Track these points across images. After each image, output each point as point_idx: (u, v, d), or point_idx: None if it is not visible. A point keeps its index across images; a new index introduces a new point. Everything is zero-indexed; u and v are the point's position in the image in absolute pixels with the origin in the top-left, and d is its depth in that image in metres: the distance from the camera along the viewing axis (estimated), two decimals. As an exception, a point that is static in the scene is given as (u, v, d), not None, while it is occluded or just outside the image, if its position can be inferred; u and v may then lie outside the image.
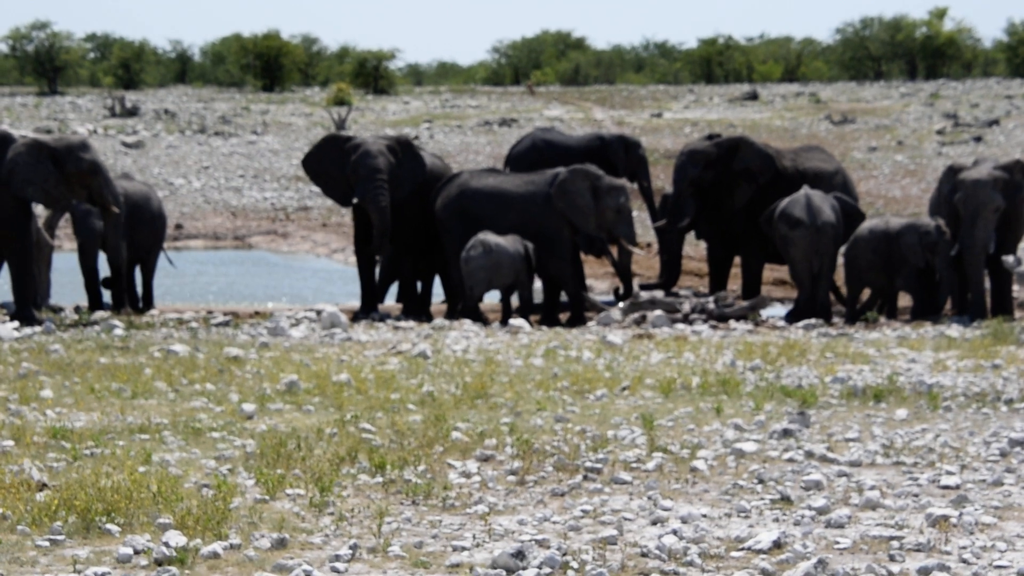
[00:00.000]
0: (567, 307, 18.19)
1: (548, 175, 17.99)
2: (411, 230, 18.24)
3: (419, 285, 18.66)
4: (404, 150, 18.22)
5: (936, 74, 65.80)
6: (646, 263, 23.36)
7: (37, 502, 7.13)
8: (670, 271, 20.04)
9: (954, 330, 15.77)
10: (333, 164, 18.25)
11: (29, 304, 16.18)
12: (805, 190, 17.83)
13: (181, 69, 73.29)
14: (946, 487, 8.01)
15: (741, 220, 18.95)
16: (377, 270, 18.66)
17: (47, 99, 54.35)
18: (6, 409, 10.14)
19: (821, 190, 18.18)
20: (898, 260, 17.27)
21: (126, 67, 64.60)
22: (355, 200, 17.90)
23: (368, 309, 18.17)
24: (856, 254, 17.46)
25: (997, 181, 16.83)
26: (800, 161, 19.38)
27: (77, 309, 17.43)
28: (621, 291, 19.38)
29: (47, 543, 6.58)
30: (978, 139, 40.31)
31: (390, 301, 19.23)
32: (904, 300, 18.38)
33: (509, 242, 17.27)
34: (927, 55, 67.32)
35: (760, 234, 18.74)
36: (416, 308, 18.26)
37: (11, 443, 8.81)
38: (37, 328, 15.30)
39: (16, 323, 15.63)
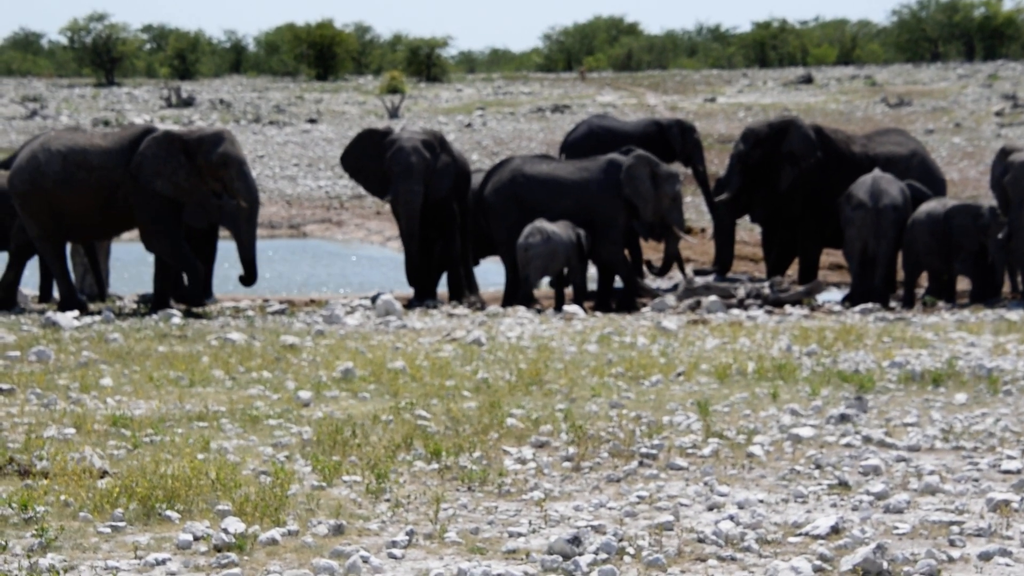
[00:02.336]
0: (621, 294, 18.16)
1: (602, 161, 17.95)
2: (451, 219, 18.20)
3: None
4: (440, 144, 18.20)
5: (994, 55, 64.94)
6: (700, 249, 23.25)
7: (98, 489, 7.21)
8: (723, 257, 19.95)
9: (1014, 313, 15.59)
10: (372, 159, 18.27)
11: (167, 296, 16.34)
12: (875, 172, 17.74)
13: (236, 59, 73.70)
14: (1007, 472, 7.93)
15: (799, 203, 18.83)
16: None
17: (104, 90, 54.87)
18: (67, 397, 10.26)
19: (893, 174, 18.03)
20: (956, 243, 17.12)
21: (182, 58, 65.08)
22: (387, 198, 17.94)
23: (422, 297, 18.22)
24: (914, 237, 17.32)
25: None
26: (872, 146, 19.16)
27: (139, 298, 17.59)
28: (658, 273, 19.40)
29: (108, 529, 6.65)
30: (1037, 120, 39.77)
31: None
32: (963, 284, 18.21)
33: (562, 229, 17.28)
34: (985, 36, 66.45)
35: (817, 218, 18.60)
36: (464, 295, 18.24)
37: (72, 431, 8.92)
38: (96, 317, 15.47)
39: (77, 312, 15.79)
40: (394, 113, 45.07)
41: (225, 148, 16.23)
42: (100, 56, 62.00)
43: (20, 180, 16.32)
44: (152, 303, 16.59)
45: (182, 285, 16.49)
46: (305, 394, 10.29)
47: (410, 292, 18.75)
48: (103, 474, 7.65)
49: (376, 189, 18.49)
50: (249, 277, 16.78)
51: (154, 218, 16.15)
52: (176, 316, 15.56)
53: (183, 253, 16.29)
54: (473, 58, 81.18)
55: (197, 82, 60.05)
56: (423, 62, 62.44)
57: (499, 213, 17.82)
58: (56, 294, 17.69)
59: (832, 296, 19.02)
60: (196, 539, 6.46)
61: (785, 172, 18.65)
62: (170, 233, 16.26)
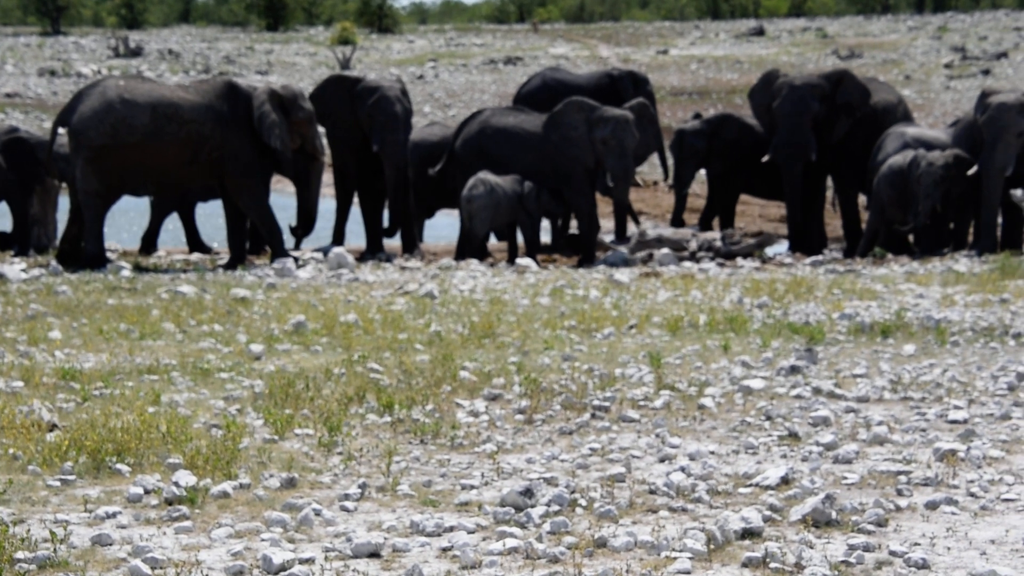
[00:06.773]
0: (575, 247, 18.16)
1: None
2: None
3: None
4: (407, 95, 18.27)
5: (944, 7, 65.27)
6: (652, 201, 23.29)
7: (47, 442, 7.16)
8: (724, 213, 19.93)
9: (962, 265, 15.74)
10: (341, 105, 18.13)
11: (286, 249, 16.46)
12: (894, 127, 17.94)
13: (184, 9, 72.89)
14: (954, 422, 8.02)
15: (832, 154, 18.85)
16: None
17: (50, 39, 54.10)
18: (15, 350, 10.16)
19: (888, 123, 18.26)
20: (916, 194, 17.19)
21: (129, 7, 64.30)
22: (375, 148, 17.77)
23: (374, 249, 18.15)
24: (879, 190, 17.45)
25: None
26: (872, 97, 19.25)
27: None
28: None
29: (58, 483, 6.61)
30: (986, 72, 40.04)
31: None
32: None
33: (507, 182, 17.25)
34: (935, -12, 66.76)
35: (846, 167, 18.82)
36: (416, 247, 18.20)
37: (20, 384, 8.84)
38: (44, 270, 15.31)
39: (23, 265, 15.63)
40: (345, 65, 44.75)
41: (309, 105, 16.51)
42: (46, 5, 61.11)
43: (98, 132, 15.47)
44: (229, 259, 16.43)
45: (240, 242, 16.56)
46: (257, 347, 10.24)
47: (362, 245, 18.69)
48: (52, 427, 7.59)
49: (343, 136, 18.32)
50: (307, 230, 17.31)
51: (245, 172, 16.01)
52: (126, 269, 15.42)
53: (268, 209, 16.31)
54: (425, 9, 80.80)
55: (145, 32, 59.33)
56: (375, 13, 62.02)
57: (465, 165, 17.74)
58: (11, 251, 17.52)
59: (782, 248, 19.11)
60: (147, 492, 6.43)
61: (840, 123, 18.61)
62: (260, 188, 16.22)
